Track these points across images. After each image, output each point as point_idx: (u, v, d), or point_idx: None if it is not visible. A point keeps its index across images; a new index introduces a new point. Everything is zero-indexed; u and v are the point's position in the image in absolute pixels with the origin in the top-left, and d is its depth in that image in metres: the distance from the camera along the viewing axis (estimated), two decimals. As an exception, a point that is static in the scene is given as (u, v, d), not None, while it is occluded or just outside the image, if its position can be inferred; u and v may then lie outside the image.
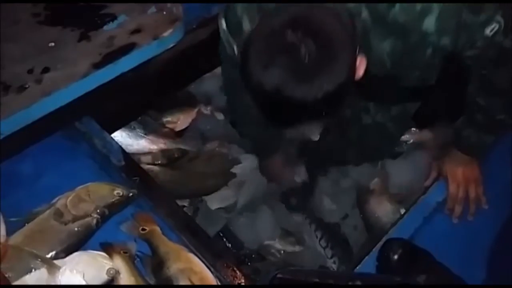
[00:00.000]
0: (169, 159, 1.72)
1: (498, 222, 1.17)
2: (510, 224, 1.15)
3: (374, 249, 1.13)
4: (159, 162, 1.71)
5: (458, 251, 1.14)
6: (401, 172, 1.76)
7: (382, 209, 1.73)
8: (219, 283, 1.01)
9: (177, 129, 1.76)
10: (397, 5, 0.94)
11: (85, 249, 1.03)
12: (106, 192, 1.10)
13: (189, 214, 1.61)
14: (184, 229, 1.09)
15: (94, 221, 1.06)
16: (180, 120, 1.76)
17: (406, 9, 0.94)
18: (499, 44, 1.02)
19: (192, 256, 1.05)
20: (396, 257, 1.08)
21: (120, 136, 1.62)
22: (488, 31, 0.98)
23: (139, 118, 1.66)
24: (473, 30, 0.99)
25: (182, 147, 1.76)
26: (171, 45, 1.12)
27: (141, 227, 1.09)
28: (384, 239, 1.13)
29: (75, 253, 1.01)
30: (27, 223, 1.06)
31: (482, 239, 1.15)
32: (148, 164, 1.67)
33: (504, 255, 1.14)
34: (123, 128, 1.61)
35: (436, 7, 0.94)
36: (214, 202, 1.65)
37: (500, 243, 1.14)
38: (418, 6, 0.94)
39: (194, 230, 1.10)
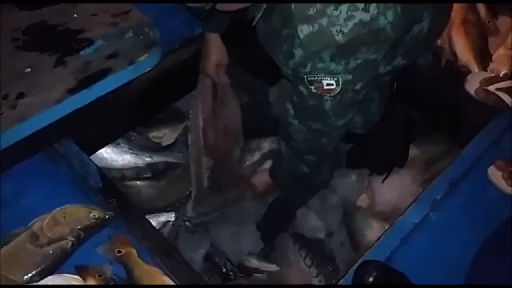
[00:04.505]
0: (153, 172, 1.74)
1: (476, 245, 1.16)
2: (488, 247, 1.15)
3: (350, 271, 1.13)
4: (144, 175, 1.73)
5: (435, 273, 1.14)
6: (387, 189, 1.77)
7: (368, 227, 1.73)
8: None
9: (163, 144, 1.77)
10: None
11: (60, 273, 1.04)
12: (82, 214, 1.10)
13: (174, 230, 1.64)
14: (160, 252, 1.10)
15: (70, 244, 1.06)
16: (166, 135, 1.77)
17: None
18: None
19: (166, 279, 1.06)
20: (371, 279, 1.08)
21: (104, 153, 1.63)
22: None
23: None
24: None
25: (169, 160, 1.77)
26: (147, 70, 1.13)
27: (117, 250, 1.09)
28: (360, 261, 1.13)
29: (49, 277, 1.01)
30: (5, 245, 1.07)
31: (460, 262, 1.14)
32: (132, 179, 1.69)
33: (481, 277, 1.14)
34: (107, 145, 1.62)
35: None
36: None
37: (478, 266, 1.14)
38: None
39: (169, 252, 1.11)
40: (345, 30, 0.98)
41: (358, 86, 1.10)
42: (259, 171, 1.70)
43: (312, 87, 1.09)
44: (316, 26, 0.99)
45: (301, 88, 1.13)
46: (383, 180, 1.72)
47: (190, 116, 1.53)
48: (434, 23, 1.19)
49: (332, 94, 1.09)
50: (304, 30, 1.00)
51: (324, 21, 0.98)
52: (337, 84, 1.07)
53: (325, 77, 1.06)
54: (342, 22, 0.98)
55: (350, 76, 1.06)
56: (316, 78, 1.07)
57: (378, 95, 1.36)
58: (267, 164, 1.70)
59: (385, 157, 1.70)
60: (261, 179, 1.58)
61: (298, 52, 1.05)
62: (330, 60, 1.03)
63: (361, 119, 1.36)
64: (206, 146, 1.53)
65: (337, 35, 0.98)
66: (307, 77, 1.08)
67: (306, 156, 1.32)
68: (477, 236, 1.18)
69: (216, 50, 1.35)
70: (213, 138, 1.54)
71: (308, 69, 1.06)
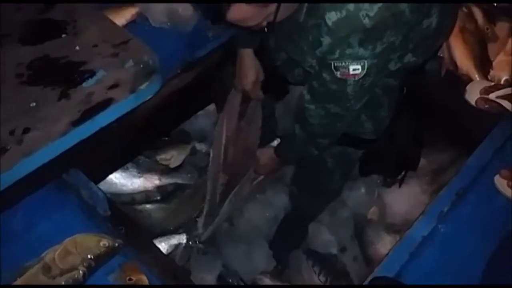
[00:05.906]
0: (163, 194, 1.76)
1: (486, 255, 1.16)
2: (497, 259, 1.14)
3: (360, 288, 1.12)
4: (154, 198, 1.75)
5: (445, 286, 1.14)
6: (397, 200, 1.77)
7: (380, 240, 1.73)
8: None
9: (172, 165, 1.80)
10: None
11: (72, 303, 1.06)
12: (93, 243, 1.12)
13: (186, 252, 1.64)
14: (170, 277, 1.11)
15: (81, 273, 1.08)
16: (174, 157, 1.80)
17: None
18: None
19: (177, 304, 1.07)
20: (382, 295, 1.08)
21: (114, 178, 1.66)
22: None
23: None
24: None
25: (178, 181, 1.80)
26: (149, 97, 1.15)
27: (128, 277, 1.11)
28: (370, 277, 1.13)
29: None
30: (19, 277, 1.09)
31: (469, 274, 1.14)
32: (142, 203, 1.71)
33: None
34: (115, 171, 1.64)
35: None
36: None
37: (488, 278, 1.13)
38: None
39: (180, 277, 1.12)
40: (371, 14, 1.02)
41: (376, 69, 1.14)
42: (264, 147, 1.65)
43: (338, 72, 1.12)
44: (344, 12, 1.03)
45: (325, 74, 1.15)
46: (399, 184, 1.70)
47: (214, 132, 1.56)
48: (442, 20, 1.21)
49: (356, 78, 1.12)
50: (332, 17, 1.04)
51: (351, 7, 1.02)
52: (363, 69, 1.10)
53: (352, 62, 1.09)
54: (368, 6, 1.02)
55: (375, 61, 1.10)
56: (343, 64, 1.10)
57: (388, 100, 1.36)
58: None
59: (397, 161, 1.69)
60: (266, 154, 1.53)
61: (326, 40, 1.08)
62: (358, 45, 1.06)
63: (371, 124, 1.37)
64: (225, 163, 1.55)
65: (364, 19, 1.02)
66: (334, 63, 1.10)
67: (319, 140, 1.34)
68: (486, 246, 1.17)
69: (253, 66, 1.38)
70: (232, 155, 1.55)
71: (336, 55, 1.09)
